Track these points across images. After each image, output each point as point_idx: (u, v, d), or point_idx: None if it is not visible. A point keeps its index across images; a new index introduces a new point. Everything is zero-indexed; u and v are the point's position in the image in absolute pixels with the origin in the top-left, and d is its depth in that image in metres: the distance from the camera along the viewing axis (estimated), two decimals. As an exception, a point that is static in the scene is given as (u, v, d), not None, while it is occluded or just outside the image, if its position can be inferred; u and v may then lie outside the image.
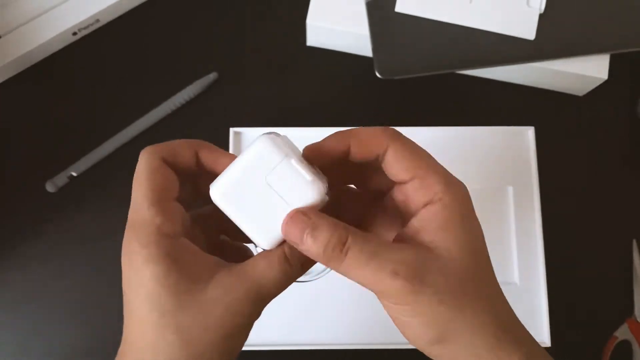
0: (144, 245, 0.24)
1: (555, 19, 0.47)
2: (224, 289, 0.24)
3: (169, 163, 0.26)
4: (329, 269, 0.46)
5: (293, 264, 0.26)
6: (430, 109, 0.53)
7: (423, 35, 0.48)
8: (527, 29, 0.47)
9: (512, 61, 0.48)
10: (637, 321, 0.49)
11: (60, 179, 0.50)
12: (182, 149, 0.27)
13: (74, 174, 0.50)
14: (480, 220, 0.42)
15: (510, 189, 0.48)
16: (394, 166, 0.25)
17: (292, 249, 0.25)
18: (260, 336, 0.45)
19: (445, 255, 0.24)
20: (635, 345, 0.48)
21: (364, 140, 0.25)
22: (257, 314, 0.26)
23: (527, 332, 0.26)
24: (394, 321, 0.25)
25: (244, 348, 0.45)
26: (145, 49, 0.54)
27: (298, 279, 0.39)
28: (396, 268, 0.23)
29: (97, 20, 0.53)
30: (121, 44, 0.54)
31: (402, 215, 0.27)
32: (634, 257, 0.50)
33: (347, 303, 0.46)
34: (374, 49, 0.47)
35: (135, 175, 0.26)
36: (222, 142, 0.49)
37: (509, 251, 0.48)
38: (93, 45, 0.54)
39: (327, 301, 0.46)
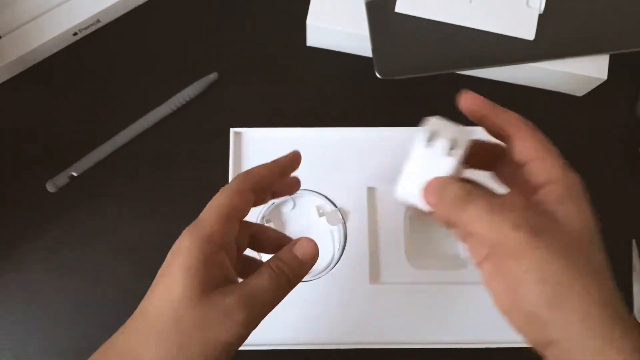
0: (193, 240, 0.29)
1: (554, 20, 0.48)
2: (224, 296, 0.28)
3: (254, 189, 0.31)
4: (329, 269, 0.46)
5: (280, 275, 0.30)
6: (430, 109, 0.53)
7: (423, 36, 0.48)
8: (526, 29, 0.47)
9: (511, 61, 0.48)
10: (637, 321, 0.49)
11: (61, 179, 0.50)
12: (267, 178, 0.32)
13: (75, 174, 0.51)
14: None
15: None
16: (525, 145, 0.30)
17: (282, 263, 0.30)
18: (260, 336, 0.45)
19: (563, 222, 0.27)
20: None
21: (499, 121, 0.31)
22: (252, 322, 0.28)
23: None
24: (498, 290, 0.27)
25: (244, 347, 0.45)
26: (145, 49, 0.54)
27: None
28: (518, 222, 0.26)
29: (98, 21, 0.53)
30: (122, 44, 0.54)
31: (524, 193, 0.29)
32: (634, 257, 0.50)
33: (347, 303, 0.46)
34: (374, 49, 0.47)
35: (222, 189, 0.31)
36: (222, 142, 0.49)
37: None
38: (94, 45, 0.54)
39: (328, 301, 0.46)
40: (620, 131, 0.53)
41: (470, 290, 0.46)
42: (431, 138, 0.30)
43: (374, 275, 0.47)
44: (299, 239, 0.31)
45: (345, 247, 0.46)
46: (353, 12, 0.48)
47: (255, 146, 0.49)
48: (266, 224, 0.47)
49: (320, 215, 0.47)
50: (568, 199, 0.27)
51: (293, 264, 0.30)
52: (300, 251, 0.31)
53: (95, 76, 0.53)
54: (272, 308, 0.30)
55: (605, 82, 0.49)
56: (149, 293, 0.29)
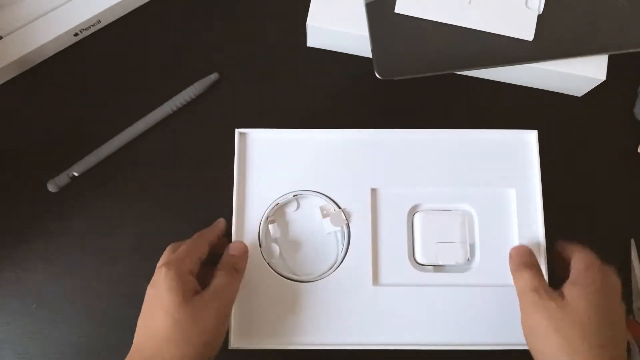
0: (170, 271, 0.40)
1: (553, 20, 0.48)
2: (200, 296, 0.40)
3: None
4: (332, 270, 0.46)
5: (228, 270, 0.42)
6: (429, 110, 0.53)
7: (423, 36, 0.48)
8: (525, 30, 0.47)
9: (510, 62, 0.48)
10: (636, 321, 0.49)
11: (62, 179, 0.50)
12: (203, 253, 0.43)
13: (76, 174, 0.51)
14: (483, 224, 0.49)
15: (513, 192, 0.48)
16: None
17: (225, 263, 0.43)
18: (264, 337, 0.45)
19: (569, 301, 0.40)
20: (633, 345, 0.48)
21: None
22: (222, 309, 0.41)
23: None
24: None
25: (249, 347, 0.45)
26: (146, 49, 0.54)
27: (302, 280, 0.46)
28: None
29: (99, 21, 0.53)
30: (122, 44, 0.54)
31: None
32: (632, 256, 0.50)
33: (350, 304, 0.46)
34: (374, 50, 0.47)
35: (196, 240, 0.44)
36: (223, 141, 0.50)
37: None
38: (95, 46, 0.54)
39: (331, 302, 0.46)
40: (619, 131, 0.53)
41: (473, 293, 0.46)
42: None
43: (377, 276, 0.47)
44: (230, 243, 0.45)
45: (349, 249, 0.47)
46: (353, 13, 0.48)
47: (260, 147, 0.48)
48: (270, 225, 0.47)
49: (324, 216, 0.47)
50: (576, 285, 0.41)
51: (232, 259, 0.43)
52: (232, 250, 0.44)
53: (96, 76, 0.54)
54: (234, 295, 0.42)
55: (605, 82, 0.49)
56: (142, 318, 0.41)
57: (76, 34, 0.53)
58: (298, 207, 0.49)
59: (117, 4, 0.52)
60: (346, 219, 0.47)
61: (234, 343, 0.45)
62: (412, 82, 0.49)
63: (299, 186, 0.48)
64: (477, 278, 0.47)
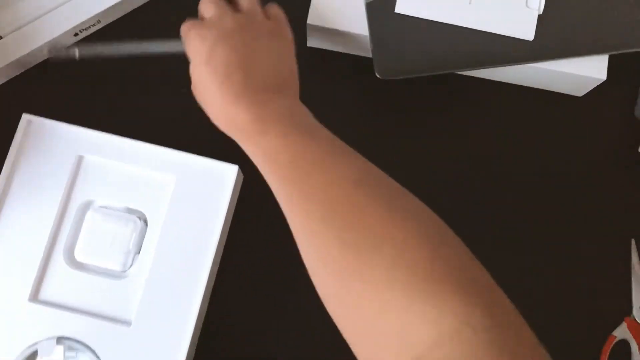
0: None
1: (554, 20, 0.48)
2: None
3: None
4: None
5: None
6: (429, 110, 0.53)
7: (423, 36, 0.48)
8: (526, 30, 0.47)
9: (511, 62, 0.48)
10: (636, 321, 0.49)
11: (62, 179, 0.50)
12: None
13: (75, 174, 0.51)
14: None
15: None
16: None
17: None
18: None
19: None
20: (633, 345, 0.48)
21: None
22: None
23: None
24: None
25: None
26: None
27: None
28: None
29: (99, 21, 0.53)
30: (122, 44, 0.54)
31: None
32: (633, 256, 0.50)
33: None
34: (374, 50, 0.47)
35: None
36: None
37: None
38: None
39: None
40: (619, 131, 0.53)
41: None
42: None
43: None
44: None
45: None
46: (353, 13, 0.48)
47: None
48: None
49: None
50: None
51: None
52: None
53: (96, 77, 0.54)
54: None
55: (605, 82, 0.49)
56: None
57: (76, 34, 0.53)
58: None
59: (117, 4, 0.52)
60: None
61: None
62: (412, 82, 0.49)
63: None
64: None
